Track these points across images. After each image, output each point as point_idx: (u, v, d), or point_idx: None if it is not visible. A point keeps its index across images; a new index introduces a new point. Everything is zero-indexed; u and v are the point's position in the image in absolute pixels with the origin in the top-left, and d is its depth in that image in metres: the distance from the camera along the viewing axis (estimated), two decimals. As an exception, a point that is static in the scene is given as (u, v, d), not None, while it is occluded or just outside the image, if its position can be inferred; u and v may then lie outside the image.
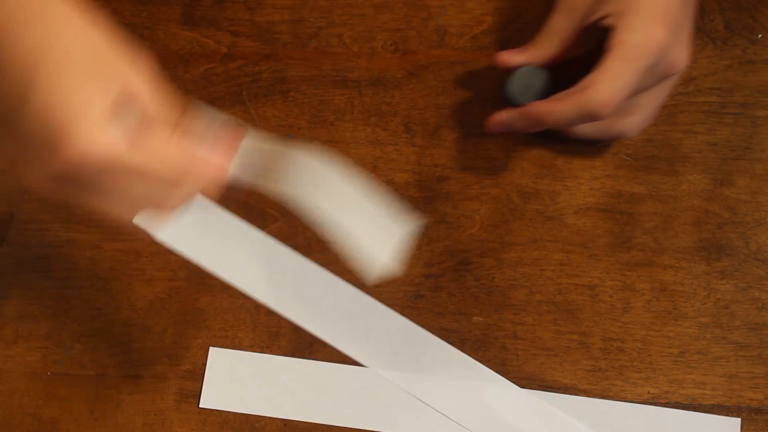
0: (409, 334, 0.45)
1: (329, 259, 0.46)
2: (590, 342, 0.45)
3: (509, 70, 0.45)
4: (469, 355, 0.44)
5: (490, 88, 0.48)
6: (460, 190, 0.47)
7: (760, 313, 0.45)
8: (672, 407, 0.43)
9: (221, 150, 0.34)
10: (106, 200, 0.31)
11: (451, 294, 0.45)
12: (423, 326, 0.45)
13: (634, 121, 0.43)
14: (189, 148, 0.33)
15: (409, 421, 0.44)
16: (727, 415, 0.43)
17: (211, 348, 0.45)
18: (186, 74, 0.49)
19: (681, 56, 0.40)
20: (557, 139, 0.46)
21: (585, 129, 0.45)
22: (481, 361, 0.44)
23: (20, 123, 0.30)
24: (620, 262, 0.46)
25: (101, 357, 0.45)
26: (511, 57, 0.45)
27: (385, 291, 0.45)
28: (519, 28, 0.48)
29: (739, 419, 0.43)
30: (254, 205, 0.47)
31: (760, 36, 0.48)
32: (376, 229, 0.35)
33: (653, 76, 0.41)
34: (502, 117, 0.45)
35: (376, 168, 0.47)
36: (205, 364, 0.45)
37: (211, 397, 0.44)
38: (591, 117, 0.40)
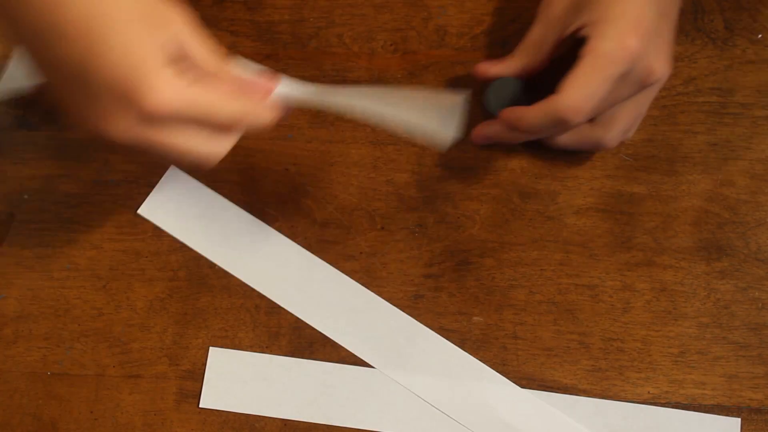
0: (411, 331, 0.45)
1: (329, 259, 0.46)
2: (590, 342, 0.45)
3: (487, 81, 0.45)
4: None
5: (490, 88, 0.48)
6: (460, 190, 0.47)
7: (760, 313, 0.45)
8: (672, 407, 0.43)
9: (262, 93, 0.37)
10: (179, 144, 0.33)
11: (451, 294, 0.45)
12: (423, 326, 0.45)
13: (614, 132, 0.43)
14: (242, 89, 0.36)
15: (410, 422, 0.44)
16: (727, 415, 0.43)
17: (211, 348, 0.45)
18: (186, 74, 0.49)
19: (658, 64, 0.40)
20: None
21: (564, 140, 0.44)
22: (481, 361, 0.44)
23: (88, 81, 0.31)
24: (620, 262, 0.46)
25: (101, 357, 0.45)
26: (488, 68, 0.45)
27: (385, 291, 0.45)
28: (519, 28, 0.48)
29: (739, 419, 0.43)
30: (254, 205, 0.47)
31: (760, 36, 0.48)
32: (433, 108, 0.38)
33: (629, 85, 0.40)
34: (484, 129, 0.46)
35: (377, 168, 0.47)
36: (205, 364, 0.45)
37: (211, 397, 0.44)
38: (561, 123, 0.40)
